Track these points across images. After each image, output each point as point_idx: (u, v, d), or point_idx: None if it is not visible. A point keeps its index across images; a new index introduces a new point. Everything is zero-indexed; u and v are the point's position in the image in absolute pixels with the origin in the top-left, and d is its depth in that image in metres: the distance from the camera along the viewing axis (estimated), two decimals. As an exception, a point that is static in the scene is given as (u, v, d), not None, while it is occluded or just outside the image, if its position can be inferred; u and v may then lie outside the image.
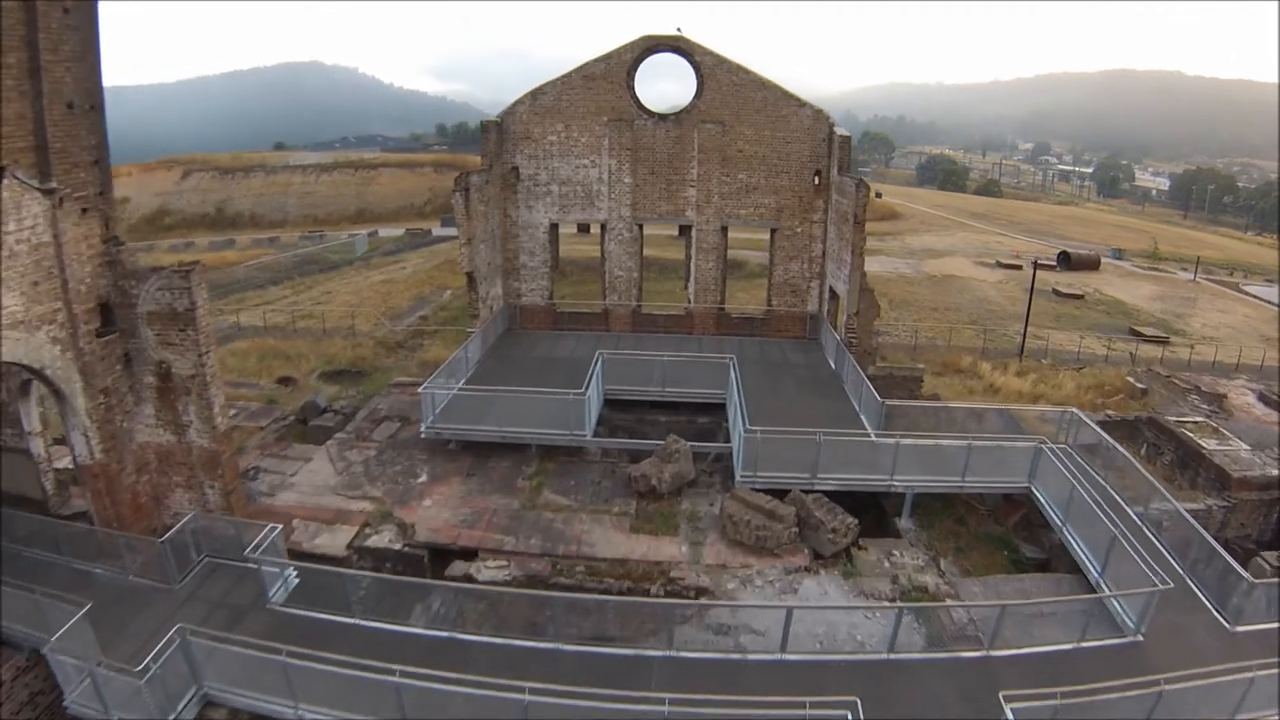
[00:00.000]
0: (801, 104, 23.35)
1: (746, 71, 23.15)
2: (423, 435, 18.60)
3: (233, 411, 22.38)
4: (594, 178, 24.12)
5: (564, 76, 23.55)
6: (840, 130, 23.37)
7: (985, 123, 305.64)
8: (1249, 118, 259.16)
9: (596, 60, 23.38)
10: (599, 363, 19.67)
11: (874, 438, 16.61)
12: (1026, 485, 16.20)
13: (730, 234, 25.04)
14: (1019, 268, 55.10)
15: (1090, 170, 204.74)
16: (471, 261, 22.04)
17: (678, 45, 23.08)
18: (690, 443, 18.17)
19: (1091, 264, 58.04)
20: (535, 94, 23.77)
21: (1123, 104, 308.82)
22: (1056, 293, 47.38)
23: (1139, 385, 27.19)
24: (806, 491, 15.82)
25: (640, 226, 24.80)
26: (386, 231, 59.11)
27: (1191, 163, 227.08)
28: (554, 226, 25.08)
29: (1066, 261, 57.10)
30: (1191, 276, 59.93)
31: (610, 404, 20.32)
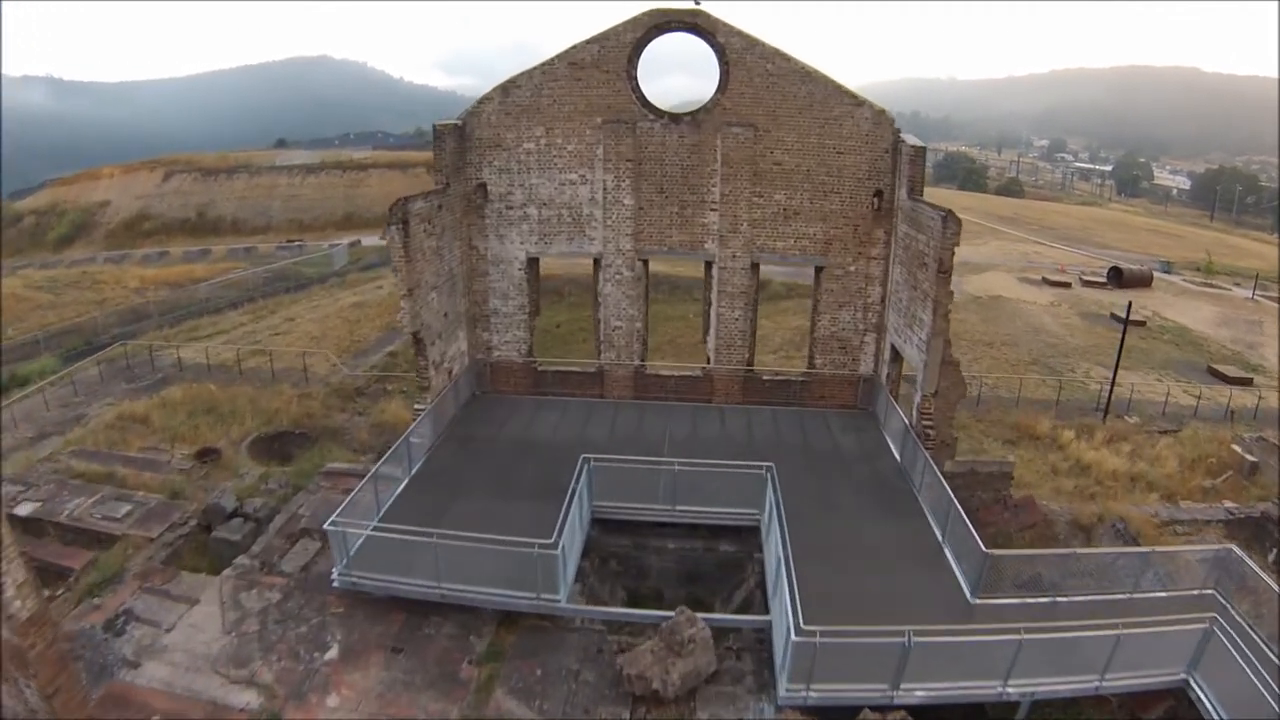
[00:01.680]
0: (858, 101, 17.13)
1: (786, 58, 16.91)
2: (334, 585, 12.75)
3: (126, 509, 17.14)
4: (584, 198, 18.01)
5: (545, 65, 17.38)
6: (910, 138, 17.17)
7: (1000, 118, 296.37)
8: (1266, 114, 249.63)
9: (587, 43, 17.15)
10: (584, 472, 13.68)
11: (985, 637, 10.54)
12: (1183, 677, 10.56)
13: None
14: (1068, 285, 48.74)
15: (1110, 168, 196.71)
16: (416, 318, 16.01)
17: (695, 22, 16.83)
18: (710, 585, 12.33)
19: (1144, 281, 51.50)
20: (507, 88, 17.61)
21: (1138, 100, 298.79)
22: (1116, 319, 41.01)
23: (1248, 457, 21.53)
24: (882, 708, 9.96)
25: (645, 263, 18.61)
26: (370, 240, 53.36)
27: (1210, 160, 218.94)
28: (533, 262, 18.95)
29: (1118, 278, 50.60)
30: (1249, 294, 53.41)
31: (602, 523, 14.40)
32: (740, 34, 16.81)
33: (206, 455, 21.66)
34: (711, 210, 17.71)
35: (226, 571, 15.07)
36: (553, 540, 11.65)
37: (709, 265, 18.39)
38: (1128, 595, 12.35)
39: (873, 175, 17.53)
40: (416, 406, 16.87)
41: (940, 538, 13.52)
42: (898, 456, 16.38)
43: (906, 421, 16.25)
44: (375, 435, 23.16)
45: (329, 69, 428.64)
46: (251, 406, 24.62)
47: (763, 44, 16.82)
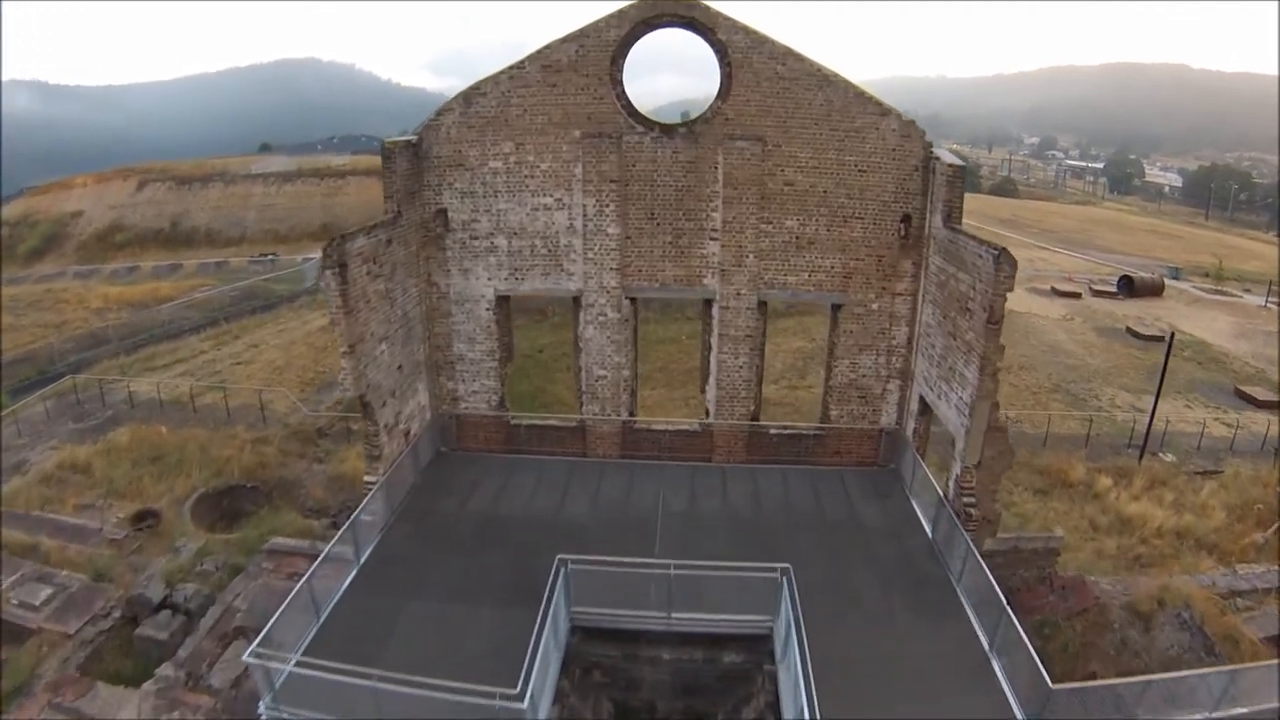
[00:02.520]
0: (883, 110, 14.42)
1: (799, 59, 14.16)
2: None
3: (46, 593, 15.05)
4: (561, 226, 15.17)
5: (513, 68, 14.54)
6: (947, 155, 14.48)
7: (990, 116, 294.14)
8: (1256, 111, 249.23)
9: (563, 41, 14.31)
10: (560, 576, 10.98)
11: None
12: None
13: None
14: (1077, 295, 46.30)
15: (1101, 165, 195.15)
16: (361, 379, 13.23)
17: (691, 16, 14.01)
18: (712, 698, 9.84)
19: (1156, 289, 49.14)
20: (469, 97, 14.81)
21: (1127, 98, 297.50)
22: (1133, 334, 38.57)
23: (1299, 503, 19.14)
24: None
25: (633, 301, 15.84)
26: (350, 250, 50.68)
27: (1201, 157, 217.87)
28: (502, 301, 16.11)
29: (1129, 287, 48.21)
30: (1262, 302, 51.11)
31: (584, 630, 11.70)
32: (745, 30, 14.08)
33: (144, 519, 18.93)
34: (712, 239, 14.99)
35: (147, 685, 12.79)
36: (518, 690, 8.93)
37: (708, 304, 15.64)
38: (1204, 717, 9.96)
39: (900, 198, 14.84)
40: (367, 479, 14.09)
41: (987, 646, 10.93)
42: (929, 532, 13.75)
43: (940, 492, 13.61)
44: (332, 491, 20.43)
45: (317, 71, 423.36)
46: (201, 455, 21.90)
47: (771, 42, 14.10)
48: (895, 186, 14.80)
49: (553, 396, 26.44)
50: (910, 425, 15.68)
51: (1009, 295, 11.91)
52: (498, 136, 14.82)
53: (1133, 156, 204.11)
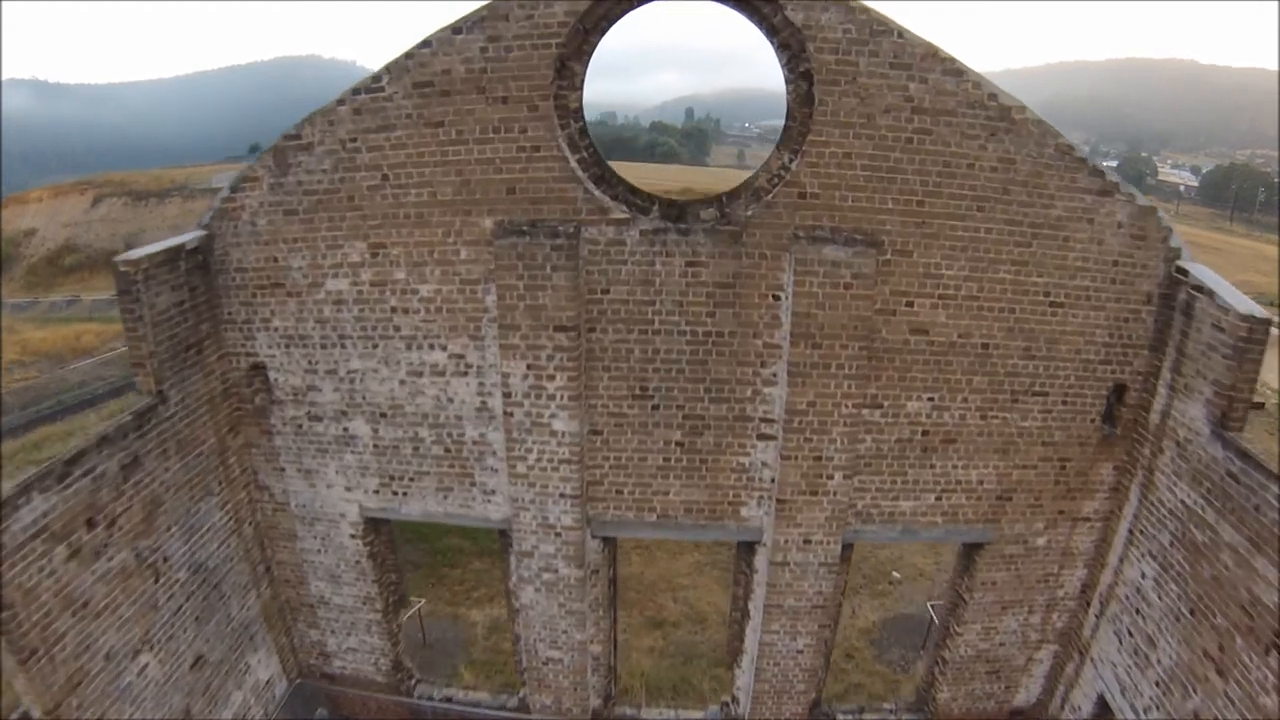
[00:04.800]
0: (1103, 186, 6.70)
1: (954, 69, 6.27)
2: None
3: None
4: (464, 405, 7.56)
5: (363, 94, 6.80)
6: (1223, 289, 6.91)
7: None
8: (1265, 108, 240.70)
9: (463, 35, 6.42)
10: None
11: None
12: None
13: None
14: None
15: (1115, 164, 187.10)
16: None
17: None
18: None
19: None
20: (284, 155, 7.11)
21: (1136, 94, 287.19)
22: None
23: None
24: None
25: (608, 545, 8.22)
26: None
27: (1212, 155, 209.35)
28: (378, 525, 8.71)
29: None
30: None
31: None
32: (845, 6, 6.30)
33: None
34: (762, 437, 7.37)
35: None
36: None
37: (748, 548, 8.15)
38: None
39: (1112, 354, 7.31)
40: None
41: None
42: None
43: None
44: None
45: (317, 69, 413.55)
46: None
47: (900, 33, 6.30)
48: (1108, 333, 7.22)
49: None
50: (1064, 715, 8.22)
51: None
52: (338, 231, 7.24)
53: (1144, 154, 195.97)
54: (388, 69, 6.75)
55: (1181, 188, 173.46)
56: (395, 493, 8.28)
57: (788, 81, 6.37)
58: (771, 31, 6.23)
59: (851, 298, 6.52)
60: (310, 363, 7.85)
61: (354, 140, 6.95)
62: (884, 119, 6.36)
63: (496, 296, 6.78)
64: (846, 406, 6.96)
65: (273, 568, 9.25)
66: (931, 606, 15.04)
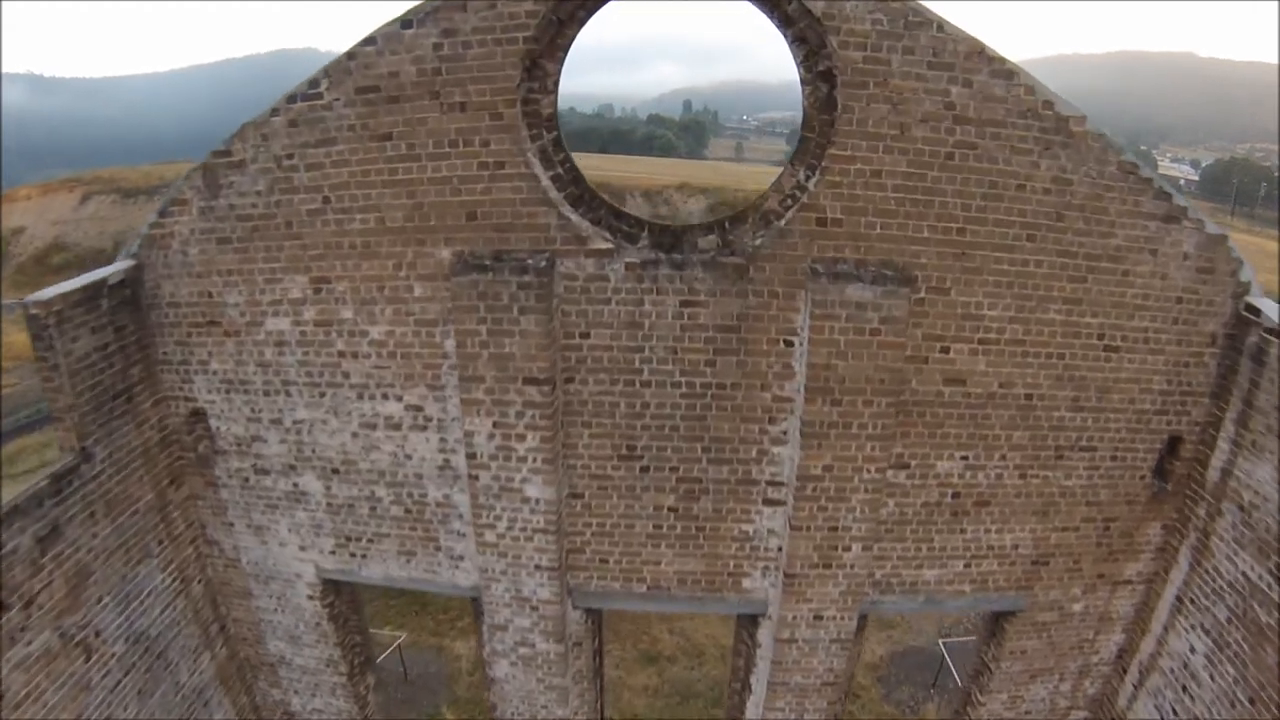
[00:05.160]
0: (1169, 210, 5.61)
1: (1003, 69, 5.14)
2: None
3: None
4: (425, 463, 6.42)
5: (299, 101, 5.64)
6: None
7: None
8: (1264, 101, 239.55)
9: (413, 32, 5.23)
10: None
11: None
12: None
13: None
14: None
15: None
16: None
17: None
18: None
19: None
20: (213, 174, 5.96)
21: (1135, 86, 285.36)
22: None
23: None
24: None
25: (594, 618, 7.13)
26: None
27: (1211, 148, 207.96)
28: (337, 588, 7.53)
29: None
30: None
31: None
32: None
33: None
34: (769, 502, 6.24)
35: None
36: None
37: (750, 619, 7.03)
38: None
39: (1169, 405, 6.24)
40: None
41: None
42: None
43: None
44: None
45: (315, 62, 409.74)
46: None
47: (936, 26, 5.03)
48: (1166, 380, 6.15)
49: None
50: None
51: None
52: (276, 263, 6.12)
53: (1143, 147, 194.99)
54: (326, 72, 5.63)
55: (1182, 181, 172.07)
56: (353, 554, 7.22)
57: (804, 83, 5.25)
58: (785, 22, 5.10)
59: (879, 346, 5.42)
60: (253, 410, 6.77)
61: (290, 157, 5.83)
62: (920, 130, 5.25)
63: (454, 340, 5.68)
64: (869, 471, 5.87)
65: (228, 625, 8.22)
66: (943, 643, 14.04)
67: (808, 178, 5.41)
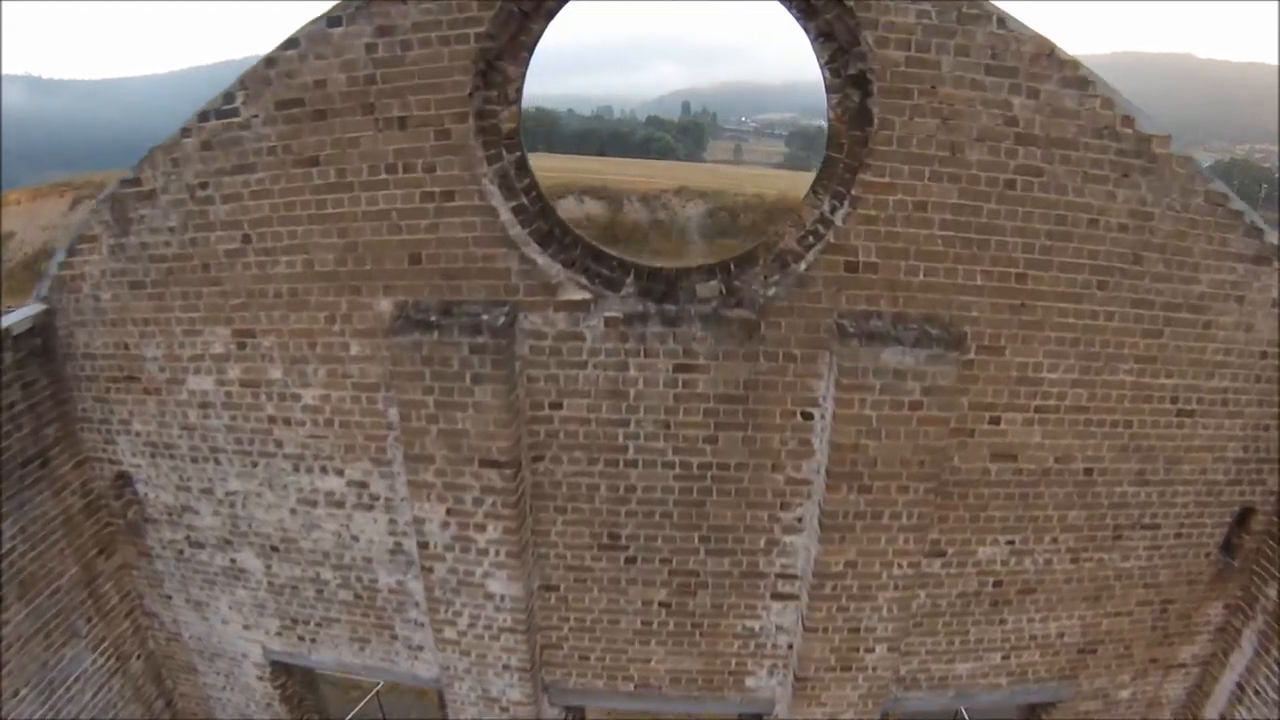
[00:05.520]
0: (1260, 250, 4.60)
1: (1075, 76, 4.06)
2: None
3: None
4: (375, 544, 5.32)
5: (218, 113, 4.52)
6: None
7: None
8: (1265, 102, 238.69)
9: (343, 27, 4.12)
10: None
11: None
12: None
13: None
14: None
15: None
16: None
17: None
18: None
19: None
20: (121, 205, 4.90)
21: (1134, 87, 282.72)
22: None
23: None
24: None
25: (575, 713, 6.11)
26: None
27: (1211, 149, 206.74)
28: (287, 670, 6.54)
29: None
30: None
31: None
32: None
33: None
34: (778, 597, 5.13)
35: None
36: None
37: (753, 716, 6.00)
38: None
39: (1243, 475, 5.18)
40: None
41: None
42: None
43: None
44: None
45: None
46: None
47: (995, 20, 3.89)
48: (1242, 446, 5.09)
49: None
50: None
51: None
52: (195, 312, 5.03)
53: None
54: (243, 82, 4.56)
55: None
56: (301, 638, 6.17)
57: (831, 90, 4.17)
58: (808, 13, 4.02)
59: (919, 422, 4.33)
60: (181, 478, 5.72)
61: (204, 186, 4.76)
62: (976, 151, 4.17)
63: (397, 410, 4.60)
64: (900, 566, 4.80)
65: (175, 700, 7.21)
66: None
67: (834, 209, 4.33)
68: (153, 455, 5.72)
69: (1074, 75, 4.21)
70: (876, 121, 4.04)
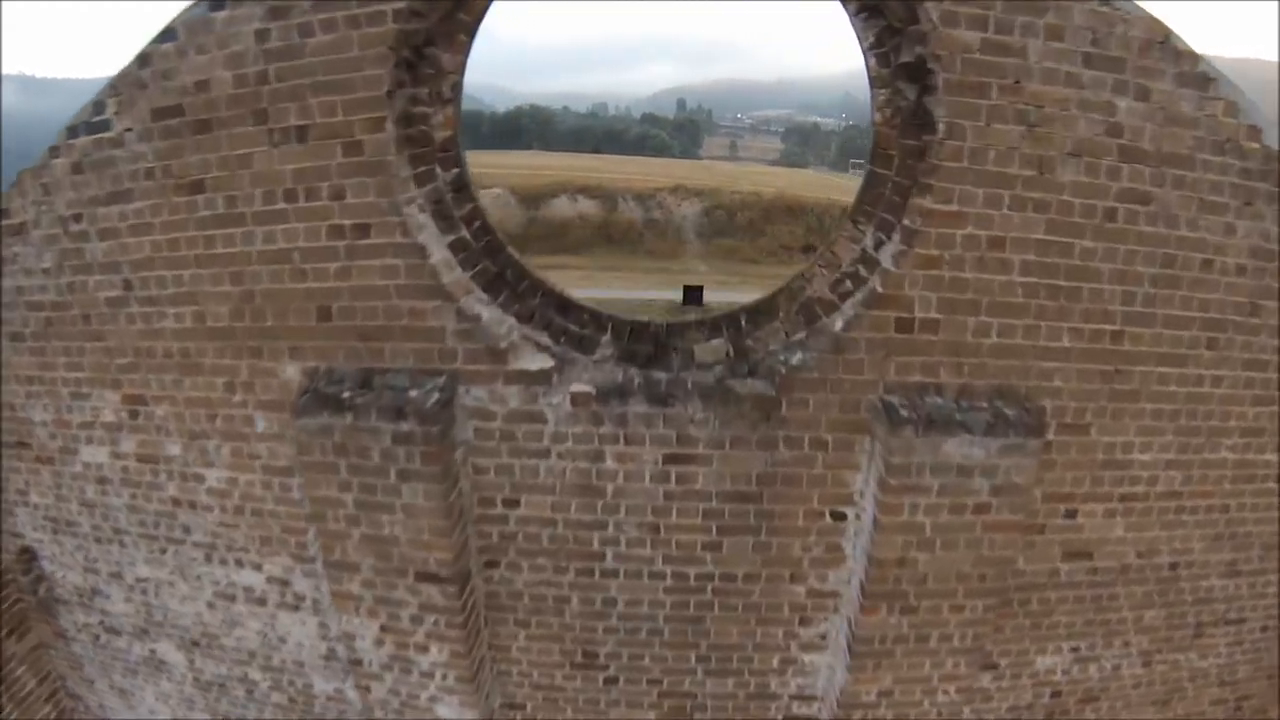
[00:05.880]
0: None
1: (1199, 71, 2.87)
2: None
3: None
4: (305, 648, 4.16)
5: (88, 126, 3.33)
6: None
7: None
8: (1264, 98, 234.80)
9: (228, 11, 2.94)
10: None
11: None
12: None
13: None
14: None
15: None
16: None
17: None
18: None
19: None
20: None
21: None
22: None
23: None
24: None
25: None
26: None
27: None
28: None
29: None
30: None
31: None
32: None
33: None
34: (804, 725, 4.16)
35: None
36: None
37: None
38: None
39: None
40: None
41: None
42: None
43: None
44: None
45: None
46: None
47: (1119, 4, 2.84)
48: None
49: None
50: None
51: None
52: (79, 371, 3.92)
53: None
54: (114, 87, 3.40)
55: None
56: (232, 734, 5.09)
57: (876, 84, 2.98)
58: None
59: (984, 528, 3.17)
60: (88, 559, 4.64)
61: (78, 219, 3.63)
62: (1070, 170, 2.98)
63: (312, 512, 3.46)
64: (947, 693, 3.65)
65: None
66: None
67: (880, 245, 3.14)
68: (55, 531, 4.66)
69: (1193, 71, 3.02)
70: (941, 127, 2.85)
